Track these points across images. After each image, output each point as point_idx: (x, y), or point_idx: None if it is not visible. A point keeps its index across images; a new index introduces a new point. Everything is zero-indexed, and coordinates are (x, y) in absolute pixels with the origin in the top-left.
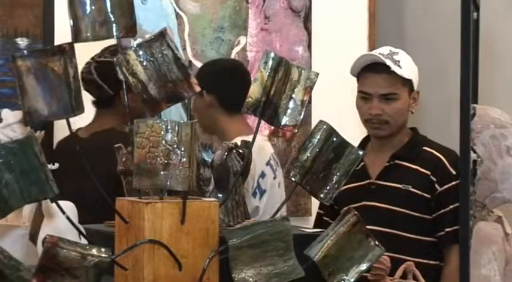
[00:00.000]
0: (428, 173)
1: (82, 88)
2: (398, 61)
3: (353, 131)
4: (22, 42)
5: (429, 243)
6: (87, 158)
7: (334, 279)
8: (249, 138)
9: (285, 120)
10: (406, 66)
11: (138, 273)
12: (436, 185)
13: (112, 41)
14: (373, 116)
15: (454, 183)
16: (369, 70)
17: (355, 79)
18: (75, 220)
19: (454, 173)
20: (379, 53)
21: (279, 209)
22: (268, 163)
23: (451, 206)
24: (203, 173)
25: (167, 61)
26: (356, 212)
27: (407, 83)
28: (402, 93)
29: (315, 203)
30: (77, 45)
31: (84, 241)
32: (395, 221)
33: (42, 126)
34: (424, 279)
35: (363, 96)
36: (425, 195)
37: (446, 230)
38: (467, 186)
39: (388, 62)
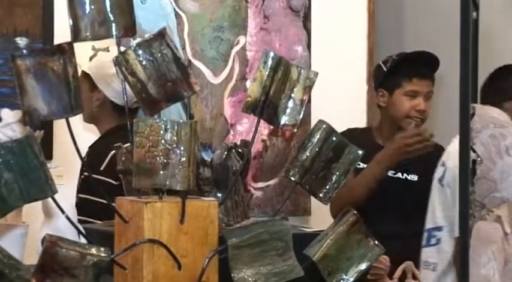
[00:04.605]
0: None
1: None
2: None
3: None
4: (21, 41)
5: None
6: None
7: (333, 279)
8: None
9: (284, 120)
10: None
11: (137, 273)
12: None
13: (112, 40)
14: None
15: None
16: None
17: (354, 78)
18: (75, 219)
19: None
20: None
21: (279, 209)
22: None
23: None
24: (202, 172)
25: (166, 60)
26: (355, 212)
27: None
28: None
29: (314, 203)
30: (76, 45)
31: (83, 240)
32: None
33: (41, 125)
34: None
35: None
36: None
37: None
38: (467, 186)
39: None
